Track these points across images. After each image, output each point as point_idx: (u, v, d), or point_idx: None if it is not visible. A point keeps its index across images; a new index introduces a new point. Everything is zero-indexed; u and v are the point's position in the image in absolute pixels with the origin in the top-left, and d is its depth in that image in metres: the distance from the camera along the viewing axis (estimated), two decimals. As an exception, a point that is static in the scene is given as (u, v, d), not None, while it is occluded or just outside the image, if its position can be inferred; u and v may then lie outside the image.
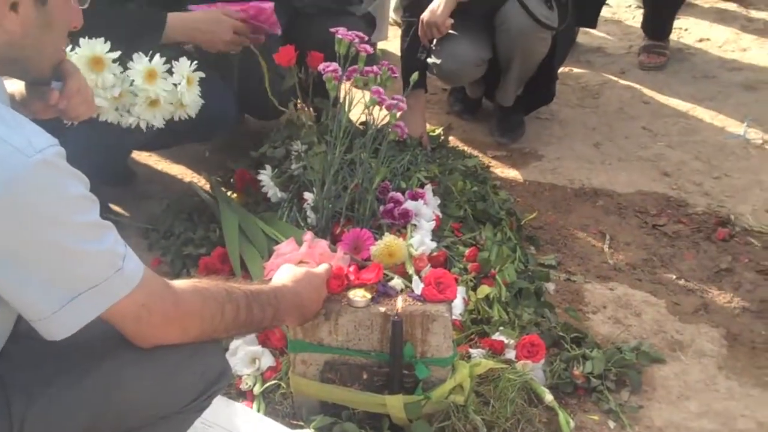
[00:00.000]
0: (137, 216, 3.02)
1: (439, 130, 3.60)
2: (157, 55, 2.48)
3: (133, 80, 2.46)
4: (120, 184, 3.18)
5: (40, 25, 1.54)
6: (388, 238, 2.48)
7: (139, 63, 2.47)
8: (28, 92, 1.76)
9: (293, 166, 2.83)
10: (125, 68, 2.48)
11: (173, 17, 2.71)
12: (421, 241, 2.58)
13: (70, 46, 2.37)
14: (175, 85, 2.50)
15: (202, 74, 2.55)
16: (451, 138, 3.58)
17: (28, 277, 1.35)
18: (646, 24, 4.36)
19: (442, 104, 3.96)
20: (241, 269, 2.55)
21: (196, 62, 2.56)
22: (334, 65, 2.56)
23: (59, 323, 1.40)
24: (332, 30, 2.60)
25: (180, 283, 1.61)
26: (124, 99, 2.47)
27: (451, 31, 3.30)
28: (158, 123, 2.53)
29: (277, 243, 2.58)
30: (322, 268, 2.05)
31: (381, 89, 2.60)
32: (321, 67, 2.57)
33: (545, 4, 3.27)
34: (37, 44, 1.56)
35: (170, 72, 2.50)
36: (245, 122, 3.50)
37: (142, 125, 2.52)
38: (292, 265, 2.03)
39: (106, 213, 2.83)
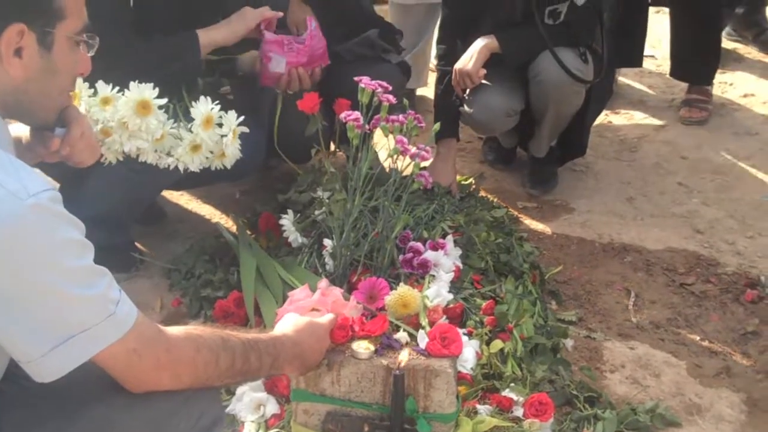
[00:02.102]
0: (162, 255, 3.05)
1: (470, 179, 3.59)
2: (218, 107, 2.55)
3: (189, 123, 2.54)
4: (150, 223, 3.22)
5: (45, 72, 1.57)
6: (403, 289, 2.47)
7: (204, 106, 2.54)
8: (32, 137, 1.80)
9: (316, 212, 2.85)
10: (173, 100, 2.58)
11: (201, 33, 2.77)
12: (438, 292, 2.56)
13: (117, 88, 2.43)
14: (222, 136, 2.56)
15: (246, 129, 2.61)
16: (481, 187, 3.57)
17: (17, 318, 1.36)
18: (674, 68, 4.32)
19: (477, 153, 3.95)
20: (255, 314, 2.56)
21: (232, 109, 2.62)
22: (356, 114, 2.57)
23: (48, 366, 1.41)
24: (356, 79, 2.62)
25: (174, 330, 1.62)
26: (165, 141, 2.52)
27: (484, 81, 3.31)
28: (195, 167, 2.58)
29: (293, 289, 2.58)
30: (327, 318, 2.05)
31: (404, 139, 2.61)
32: (343, 115, 2.58)
33: (580, 57, 3.26)
34: (42, 90, 1.59)
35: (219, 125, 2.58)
36: (280, 164, 3.51)
37: (180, 167, 2.57)
38: (296, 314, 2.03)
39: (131, 251, 2.92)
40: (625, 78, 4.65)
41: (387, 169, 2.88)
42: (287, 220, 2.84)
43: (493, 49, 3.23)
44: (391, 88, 2.63)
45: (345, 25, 3.30)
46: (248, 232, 3.00)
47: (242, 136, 2.73)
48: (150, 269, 2.99)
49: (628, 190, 3.68)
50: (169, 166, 2.55)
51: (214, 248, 2.97)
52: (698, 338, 2.78)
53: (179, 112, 2.61)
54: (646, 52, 4.81)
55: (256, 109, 3.09)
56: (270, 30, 2.92)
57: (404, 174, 2.64)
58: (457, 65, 3.28)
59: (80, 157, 1.88)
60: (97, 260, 2.86)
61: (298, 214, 2.90)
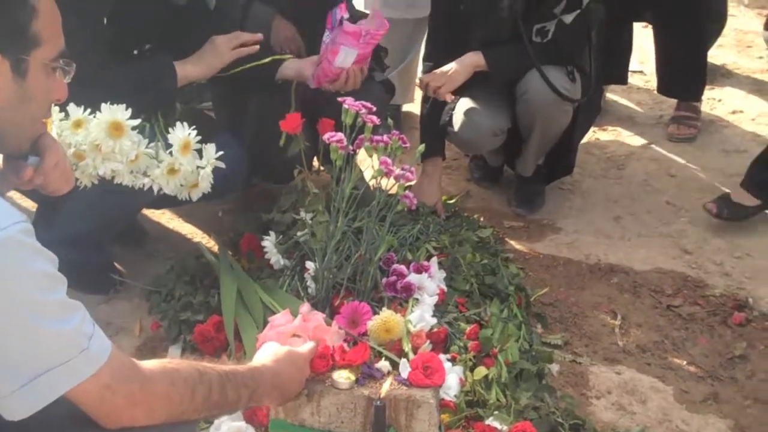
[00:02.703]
0: (142, 276, 3.00)
1: (455, 199, 3.55)
2: (195, 131, 2.52)
3: (169, 145, 2.51)
4: (130, 243, 3.17)
5: (19, 100, 1.53)
6: (386, 314, 2.43)
7: (181, 132, 2.50)
8: (4, 165, 1.75)
9: (299, 233, 2.81)
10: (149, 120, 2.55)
11: (177, 66, 2.73)
12: (421, 317, 2.52)
13: (88, 110, 2.39)
14: (199, 167, 2.53)
15: (222, 165, 2.59)
16: (467, 206, 3.54)
17: None
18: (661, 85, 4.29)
19: (463, 170, 3.91)
20: (235, 339, 2.51)
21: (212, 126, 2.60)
22: (340, 135, 2.53)
23: (18, 403, 1.37)
24: (339, 99, 2.58)
25: (149, 364, 1.58)
26: (140, 161, 2.48)
27: (470, 101, 3.28)
28: (168, 190, 2.53)
29: (274, 313, 2.54)
30: (307, 347, 2.01)
31: (388, 160, 2.57)
32: (326, 136, 2.54)
33: (567, 76, 3.22)
34: (15, 118, 1.56)
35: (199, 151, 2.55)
36: (262, 182, 3.48)
37: (155, 188, 2.52)
38: (276, 342, 1.99)
39: (110, 272, 2.87)
40: (613, 94, 4.62)
41: (371, 188, 2.84)
42: (269, 242, 2.80)
43: (479, 66, 3.19)
44: (375, 108, 2.59)
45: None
46: (230, 253, 2.95)
47: (224, 154, 2.70)
48: (130, 291, 2.94)
49: (615, 209, 3.64)
50: (144, 186, 2.50)
51: (195, 269, 2.91)
52: (685, 362, 2.74)
53: (157, 131, 2.56)
54: (634, 67, 4.82)
55: (238, 126, 3.05)
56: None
57: (389, 193, 2.59)
58: (438, 69, 3.23)
59: (54, 186, 1.83)
60: (76, 282, 2.81)
61: (281, 236, 2.86)
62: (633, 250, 3.34)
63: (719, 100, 4.59)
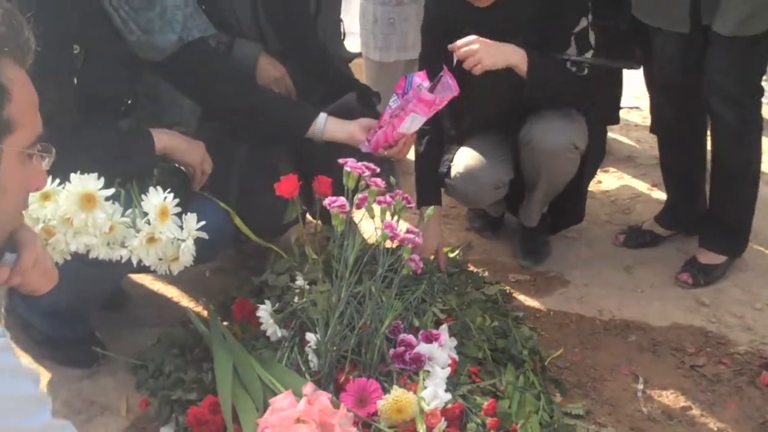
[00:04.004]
0: (126, 346, 2.77)
1: (457, 251, 3.36)
2: (171, 195, 2.31)
3: (145, 214, 2.30)
4: (111, 308, 2.94)
5: None
6: (397, 393, 2.24)
7: (156, 198, 2.29)
8: None
9: (296, 300, 2.61)
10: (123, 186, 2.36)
11: (154, 132, 2.55)
12: (435, 393, 2.32)
13: (57, 181, 2.19)
14: (179, 240, 2.33)
15: (205, 235, 2.39)
16: (469, 260, 3.35)
17: None
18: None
19: (462, 219, 3.72)
20: (234, 422, 2.29)
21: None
22: (341, 200, 2.34)
23: None
24: (341, 161, 2.39)
25: None
26: (116, 232, 2.27)
27: (469, 150, 3.09)
28: (149, 262, 2.32)
29: (274, 392, 2.33)
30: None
31: (393, 224, 2.38)
32: (326, 202, 2.35)
33: (571, 119, 3.02)
34: None
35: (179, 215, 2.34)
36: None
37: (134, 260, 2.31)
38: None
39: (92, 345, 2.65)
40: (611, 133, 4.44)
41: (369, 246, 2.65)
42: (265, 312, 2.59)
43: (517, 63, 2.82)
44: (378, 170, 2.41)
45: (324, 88, 3.07)
46: (220, 320, 2.74)
47: (209, 213, 2.51)
48: (113, 363, 2.71)
49: (624, 257, 3.46)
50: (122, 258, 2.29)
51: (184, 339, 2.70)
52: (716, 428, 2.55)
53: (133, 196, 2.36)
54: (630, 104, 4.68)
55: (224, 182, 2.86)
56: None
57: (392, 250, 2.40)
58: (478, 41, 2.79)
59: (33, 285, 1.63)
60: (55, 355, 2.62)
61: (276, 303, 2.65)
62: (647, 303, 3.15)
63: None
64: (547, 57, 2.86)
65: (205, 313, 2.87)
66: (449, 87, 2.59)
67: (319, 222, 2.84)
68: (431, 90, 2.62)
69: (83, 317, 2.74)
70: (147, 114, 2.76)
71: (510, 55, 2.79)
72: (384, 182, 2.41)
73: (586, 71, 2.91)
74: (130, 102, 2.70)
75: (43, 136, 1.45)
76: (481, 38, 2.77)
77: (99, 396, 2.62)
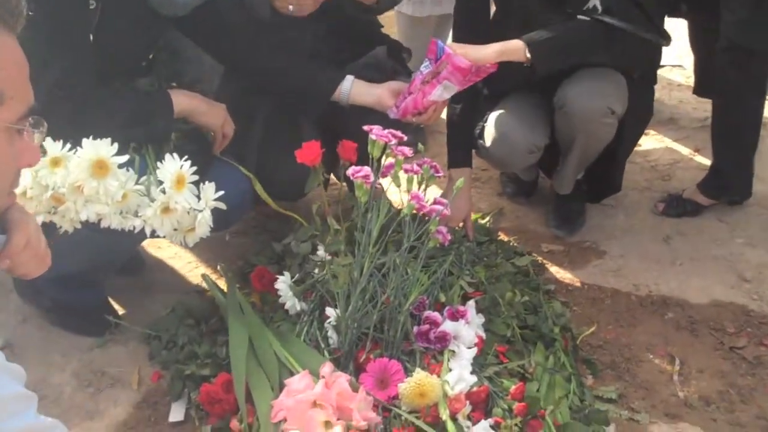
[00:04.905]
0: (140, 314, 2.68)
1: (487, 218, 3.22)
2: (188, 163, 2.18)
3: (160, 182, 2.17)
4: (126, 274, 2.84)
5: None
6: (419, 375, 2.12)
7: (172, 165, 2.16)
8: None
9: (316, 270, 2.49)
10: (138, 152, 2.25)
11: (172, 93, 2.42)
12: (460, 375, 2.20)
13: (68, 146, 2.06)
14: (197, 210, 2.20)
15: (222, 206, 2.25)
16: (500, 227, 3.21)
17: None
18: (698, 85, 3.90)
19: (494, 183, 3.57)
20: (247, 401, 2.19)
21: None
22: (366, 170, 2.20)
23: None
24: (365, 128, 2.25)
25: None
26: (129, 201, 2.15)
27: (504, 114, 2.93)
28: (164, 232, 2.20)
29: (291, 371, 2.22)
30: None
31: (420, 195, 2.25)
32: (350, 171, 2.22)
33: (615, 79, 2.83)
34: None
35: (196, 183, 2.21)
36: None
37: (147, 230, 2.19)
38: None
39: (105, 313, 2.55)
40: (652, 92, 4.25)
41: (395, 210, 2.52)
42: (284, 284, 2.46)
43: (514, 54, 2.61)
44: (405, 138, 2.26)
45: (354, 44, 2.91)
46: (239, 287, 2.62)
47: (229, 179, 2.42)
48: (126, 333, 2.61)
49: (663, 227, 3.29)
50: (135, 228, 2.16)
51: (200, 309, 2.60)
52: (755, 415, 2.42)
53: (149, 162, 2.23)
54: (673, 61, 4.46)
55: (244, 145, 2.73)
56: None
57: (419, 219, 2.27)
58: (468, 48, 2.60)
59: (24, 269, 1.52)
60: (66, 322, 2.53)
61: (297, 273, 2.53)
62: (686, 277, 3.00)
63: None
64: (546, 33, 2.64)
65: (223, 279, 2.76)
66: None
67: (344, 185, 2.72)
68: None
69: (96, 284, 2.63)
70: (168, 71, 2.62)
71: (492, 50, 2.59)
72: (411, 150, 2.26)
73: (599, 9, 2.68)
74: (151, 57, 2.57)
75: (36, 108, 1.33)
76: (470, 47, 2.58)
77: (110, 366, 2.53)
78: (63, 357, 2.56)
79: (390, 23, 3.77)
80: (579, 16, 2.66)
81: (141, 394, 2.43)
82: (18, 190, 2.05)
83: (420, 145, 2.48)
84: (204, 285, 2.72)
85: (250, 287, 2.66)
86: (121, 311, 2.73)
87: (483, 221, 3.20)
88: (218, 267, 2.86)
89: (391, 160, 2.30)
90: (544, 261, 3.07)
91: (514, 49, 2.59)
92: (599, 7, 2.66)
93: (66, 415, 2.36)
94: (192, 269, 2.97)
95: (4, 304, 2.72)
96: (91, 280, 2.58)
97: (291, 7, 2.62)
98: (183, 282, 2.88)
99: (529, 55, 2.59)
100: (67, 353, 2.57)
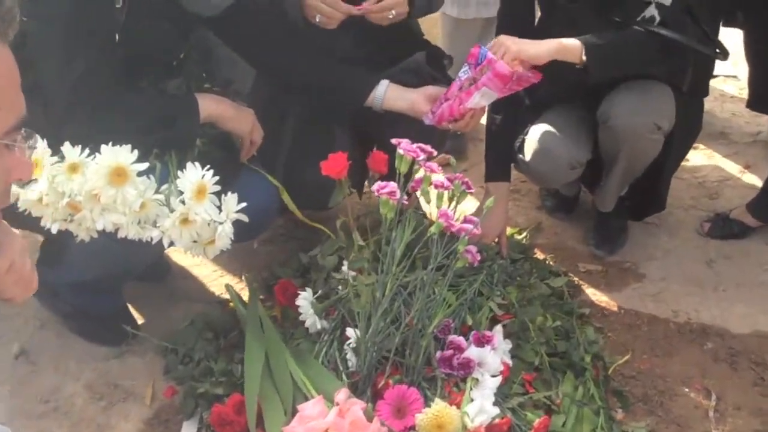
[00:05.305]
0: (160, 324, 2.62)
1: (524, 233, 3.11)
2: (210, 172, 2.09)
3: (180, 192, 2.08)
4: (149, 280, 2.78)
5: None
6: (438, 407, 2.03)
7: (193, 174, 2.08)
8: None
9: (340, 288, 2.41)
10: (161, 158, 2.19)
11: (203, 98, 2.33)
12: (481, 407, 2.10)
13: (86, 152, 1.99)
14: (217, 222, 2.12)
15: (245, 218, 2.15)
16: (537, 243, 3.11)
17: None
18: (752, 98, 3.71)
19: (533, 196, 3.45)
20: (258, 426, 2.11)
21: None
22: (392, 185, 2.11)
23: None
24: (394, 141, 2.16)
25: None
26: (148, 210, 2.07)
27: (545, 126, 2.81)
28: (182, 244, 2.12)
29: (305, 395, 2.14)
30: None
31: (449, 212, 2.15)
32: (375, 188, 2.12)
33: (657, 98, 2.71)
34: None
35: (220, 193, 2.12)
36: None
37: (165, 242, 2.11)
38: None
39: (123, 322, 2.49)
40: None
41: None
42: (305, 301, 2.38)
43: (570, 53, 2.48)
44: (435, 153, 2.17)
45: (392, 50, 2.81)
46: (262, 300, 2.55)
47: (255, 187, 2.35)
48: (144, 343, 2.55)
49: (707, 249, 3.15)
50: (152, 239, 2.09)
51: (220, 321, 2.53)
52: (792, 462, 2.29)
53: (171, 169, 2.16)
54: (727, 71, 4.31)
55: (273, 152, 2.65)
56: None
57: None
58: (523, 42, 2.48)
59: (9, 293, 1.43)
60: (84, 331, 2.47)
61: (321, 289, 2.45)
62: (729, 305, 2.86)
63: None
64: (611, 40, 2.52)
65: (247, 290, 2.68)
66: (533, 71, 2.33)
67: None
68: None
69: (115, 291, 2.57)
70: (199, 71, 2.55)
71: (547, 47, 2.45)
72: (440, 167, 2.16)
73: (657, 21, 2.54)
74: (182, 56, 2.50)
75: (36, 142, 1.25)
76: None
77: (125, 379, 2.47)
78: (78, 366, 2.50)
79: (434, 25, 3.67)
80: (635, 27, 2.54)
81: (153, 410, 2.37)
82: (34, 196, 2.01)
83: (452, 159, 2.39)
84: (227, 295, 2.64)
85: (274, 300, 2.59)
86: (141, 320, 2.67)
87: (519, 237, 3.09)
88: (243, 277, 2.79)
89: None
90: (581, 282, 2.95)
91: (572, 48, 2.47)
92: (657, 17, 2.54)
93: (76, 429, 2.31)
94: (217, 278, 2.90)
95: (23, 309, 2.66)
96: (109, 288, 2.52)
97: (318, 17, 2.54)
98: (206, 291, 2.82)
99: (585, 57, 2.47)
100: (82, 362, 2.52)
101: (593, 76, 2.50)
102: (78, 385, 2.44)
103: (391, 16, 2.62)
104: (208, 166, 2.11)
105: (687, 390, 2.51)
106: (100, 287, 2.48)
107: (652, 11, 2.55)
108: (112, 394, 2.41)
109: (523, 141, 2.89)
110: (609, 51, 2.51)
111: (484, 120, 2.89)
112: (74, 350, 2.55)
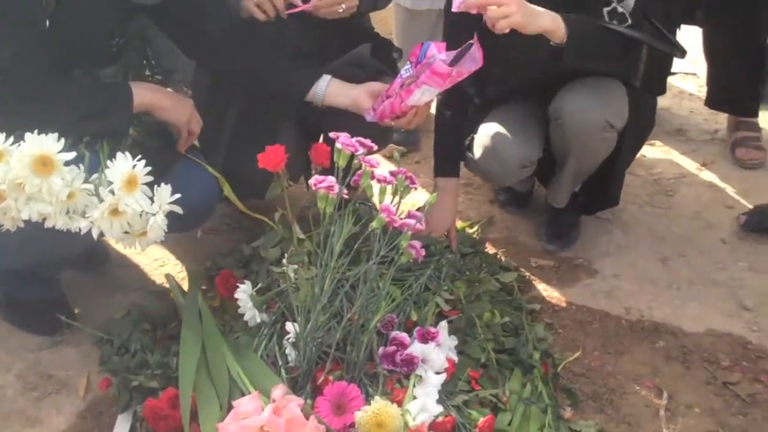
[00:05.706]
0: (97, 312, 2.54)
1: (476, 227, 3.05)
2: (142, 162, 2.01)
3: (109, 182, 2.00)
4: (88, 268, 2.70)
5: None
6: (379, 404, 1.96)
7: (123, 164, 2.00)
8: None
9: (280, 283, 2.33)
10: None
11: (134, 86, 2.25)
12: (423, 405, 2.03)
13: (11, 140, 1.91)
14: (149, 214, 2.04)
15: (179, 210, 2.08)
16: (489, 237, 3.05)
17: None
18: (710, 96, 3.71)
19: (485, 190, 3.38)
20: (192, 421, 2.03)
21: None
22: (329, 180, 2.03)
23: None
24: (332, 135, 2.09)
25: None
26: (77, 200, 1.98)
27: (495, 125, 2.75)
28: (113, 235, 2.04)
29: (242, 391, 2.07)
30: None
31: (391, 207, 2.08)
32: (312, 181, 2.05)
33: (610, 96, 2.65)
34: None
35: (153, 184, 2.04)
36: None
37: (95, 232, 2.02)
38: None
39: (58, 311, 2.40)
40: (661, 100, 4.03)
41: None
42: (244, 294, 2.31)
43: (551, 28, 2.34)
44: (376, 147, 2.10)
45: (340, 41, 2.74)
46: (204, 290, 2.48)
47: (193, 178, 2.32)
48: (80, 333, 2.46)
49: (662, 247, 3.10)
50: (81, 229, 2.00)
51: (157, 313, 2.45)
52: (746, 462, 2.25)
53: (101, 159, 2.07)
54: (686, 69, 4.27)
55: (214, 142, 2.58)
56: None
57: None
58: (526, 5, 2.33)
59: None
60: (16, 319, 2.39)
61: (263, 281, 2.38)
62: (682, 303, 2.81)
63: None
64: (586, 22, 2.45)
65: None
66: (474, 59, 2.25)
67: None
68: (456, 59, 2.28)
69: (50, 280, 2.48)
70: (139, 60, 2.47)
71: (544, 19, 2.34)
72: (378, 163, 2.10)
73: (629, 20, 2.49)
74: (121, 42, 2.41)
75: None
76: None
77: (58, 370, 2.38)
78: (9, 356, 2.42)
79: (388, 16, 3.61)
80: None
81: (87, 403, 2.29)
82: (-40, 183, 1.92)
83: (396, 153, 2.32)
84: (166, 286, 2.56)
85: (215, 290, 2.52)
86: (77, 309, 2.58)
87: (470, 230, 3.03)
88: (185, 266, 2.71)
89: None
90: (532, 277, 2.89)
91: (558, 30, 2.34)
92: (628, 18, 2.48)
93: (5, 421, 2.22)
94: (157, 267, 2.82)
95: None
96: (44, 277, 2.43)
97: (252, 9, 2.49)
98: (147, 280, 2.74)
99: (565, 39, 2.35)
100: (13, 352, 2.43)
101: (568, 60, 2.40)
102: (9, 375, 2.35)
103: (341, 10, 2.56)
104: (140, 156, 2.03)
105: (638, 388, 2.46)
106: (34, 276, 2.39)
107: (620, 7, 2.49)
108: (45, 384, 2.33)
109: (473, 139, 2.82)
110: (589, 38, 2.43)
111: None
112: (6, 340, 2.47)
